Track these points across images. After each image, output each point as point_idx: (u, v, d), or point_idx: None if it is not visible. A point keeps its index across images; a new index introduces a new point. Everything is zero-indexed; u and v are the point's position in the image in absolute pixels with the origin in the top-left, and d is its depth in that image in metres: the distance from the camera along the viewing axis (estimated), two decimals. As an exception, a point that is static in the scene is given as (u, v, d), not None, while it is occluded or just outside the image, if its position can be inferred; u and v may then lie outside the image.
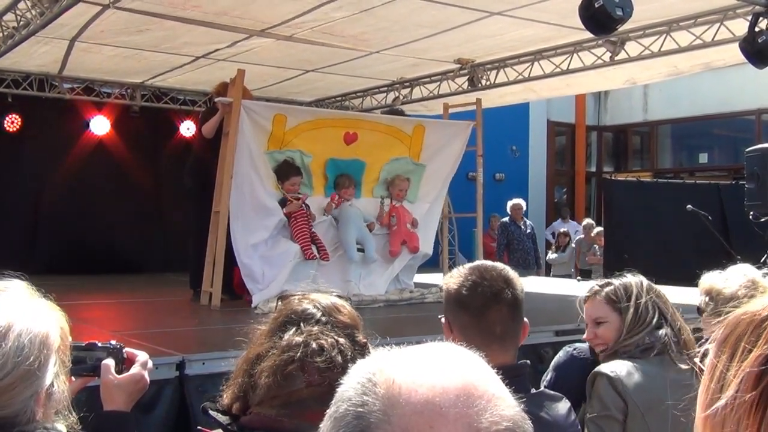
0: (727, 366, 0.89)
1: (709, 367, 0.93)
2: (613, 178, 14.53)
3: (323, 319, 1.71)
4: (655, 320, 2.73)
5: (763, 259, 6.97)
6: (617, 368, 2.64)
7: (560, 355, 3.16)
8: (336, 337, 1.66)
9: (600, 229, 12.43)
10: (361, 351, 1.67)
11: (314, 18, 7.40)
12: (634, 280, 2.85)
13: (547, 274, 12.81)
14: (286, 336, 1.66)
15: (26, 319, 1.27)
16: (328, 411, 0.82)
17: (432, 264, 8.76)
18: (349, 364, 1.57)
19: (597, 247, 12.28)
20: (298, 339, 1.63)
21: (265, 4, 7.03)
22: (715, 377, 0.90)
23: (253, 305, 6.40)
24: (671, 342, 2.68)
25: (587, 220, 13.39)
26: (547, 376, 3.10)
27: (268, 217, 6.75)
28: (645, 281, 2.83)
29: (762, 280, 2.73)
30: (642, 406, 2.57)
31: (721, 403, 0.87)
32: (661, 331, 2.71)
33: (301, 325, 1.68)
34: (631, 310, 2.76)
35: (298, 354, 1.60)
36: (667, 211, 10.43)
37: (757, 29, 6.58)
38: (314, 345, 1.62)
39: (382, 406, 0.77)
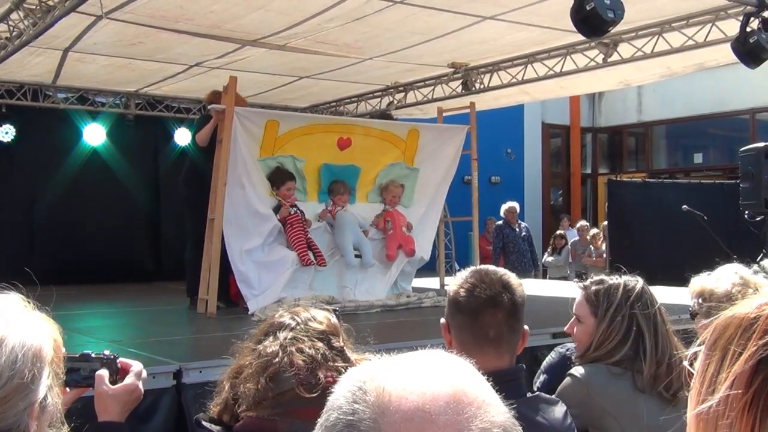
0: (717, 369, 0.89)
1: (699, 370, 0.93)
2: (618, 179, 14.53)
3: (298, 327, 1.76)
4: (631, 339, 2.64)
5: (759, 257, 6.97)
6: (588, 371, 2.64)
7: (552, 356, 3.13)
8: (311, 341, 1.72)
9: (595, 230, 12.44)
10: (339, 355, 1.71)
11: (307, 29, 7.41)
12: (623, 286, 2.75)
13: (544, 276, 12.82)
14: (262, 345, 1.73)
15: (19, 332, 1.27)
16: (319, 420, 0.82)
17: (429, 268, 8.76)
18: (329, 363, 1.65)
19: (593, 248, 12.29)
20: (275, 346, 1.69)
21: (258, 18, 7.04)
22: (706, 381, 0.90)
23: (249, 312, 6.39)
24: (640, 362, 2.61)
25: (582, 222, 13.40)
26: (540, 378, 3.07)
27: (262, 224, 6.74)
28: (637, 290, 2.73)
29: (753, 278, 2.73)
30: (613, 412, 2.56)
31: (712, 403, 0.87)
32: (626, 350, 2.64)
33: (278, 333, 1.75)
34: (604, 324, 2.71)
35: (275, 358, 1.65)
36: (671, 211, 10.42)
37: (748, 29, 6.60)
38: (292, 348, 1.69)
39: (372, 414, 0.77)
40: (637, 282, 2.78)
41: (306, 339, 1.72)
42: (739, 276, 2.73)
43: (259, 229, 6.74)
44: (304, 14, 7.01)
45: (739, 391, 0.85)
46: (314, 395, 1.57)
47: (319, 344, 1.71)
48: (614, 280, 2.81)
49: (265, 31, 7.52)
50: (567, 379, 2.67)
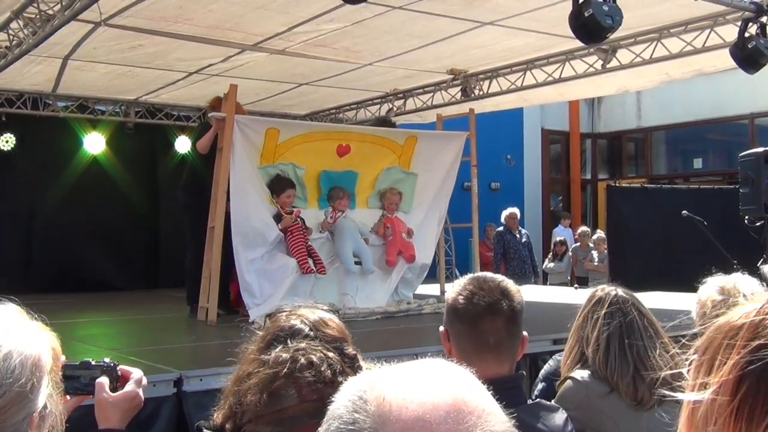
0: (706, 378, 0.90)
1: (690, 378, 0.94)
2: (617, 184, 14.51)
3: (311, 333, 1.70)
4: (602, 346, 2.70)
5: (759, 263, 6.96)
6: (590, 375, 2.69)
7: (550, 364, 3.15)
8: (324, 352, 1.65)
9: (598, 235, 12.41)
10: (351, 363, 1.66)
11: (307, 30, 7.42)
12: (592, 295, 2.85)
13: (544, 282, 12.81)
14: (273, 353, 1.65)
15: (17, 341, 1.27)
16: (319, 429, 0.82)
17: (429, 275, 8.75)
18: (339, 378, 1.58)
19: (594, 254, 12.28)
20: (285, 355, 1.62)
21: (257, 17, 7.04)
22: (696, 388, 0.91)
23: (250, 320, 6.38)
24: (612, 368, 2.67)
25: (582, 228, 13.37)
26: (537, 387, 3.08)
27: (265, 232, 6.74)
28: (609, 299, 2.78)
29: (732, 288, 2.75)
30: (613, 416, 2.59)
31: (701, 411, 0.88)
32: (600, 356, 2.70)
33: (289, 341, 1.68)
34: (575, 332, 2.82)
35: (285, 370, 1.59)
36: (671, 217, 10.42)
37: (746, 35, 6.61)
38: (303, 360, 1.61)
39: (373, 424, 0.77)
40: (611, 290, 2.82)
41: (319, 348, 1.65)
42: (718, 287, 2.76)
43: (264, 238, 6.73)
44: (303, 14, 7.00)
45: (726, 399, 0.86)
46: (317, 417, 1.52)
47: (331, 354, 1.65)
48: (595, 288, 2.90)
49: (265, 32, 7.51)
50: (568, 382, 2.70)
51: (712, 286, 2.80)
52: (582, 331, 2.78)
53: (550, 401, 2.41)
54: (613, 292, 2.78)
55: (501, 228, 12.21)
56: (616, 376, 2.62)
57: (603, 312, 2.73)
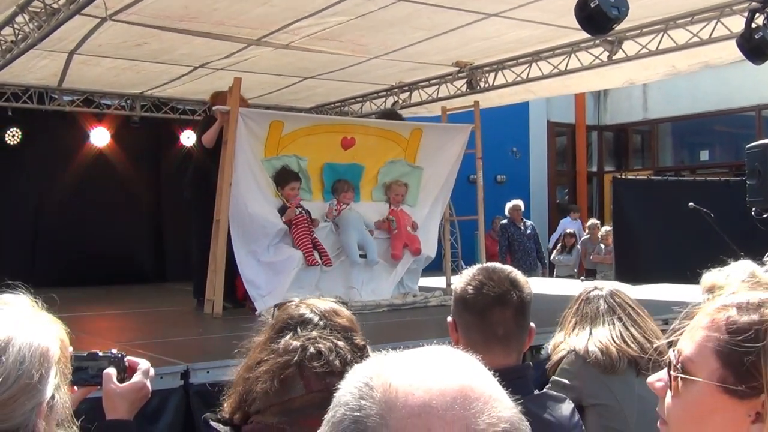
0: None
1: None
2: (623, 176, 14.45)
3: (321, 323, 1.69)
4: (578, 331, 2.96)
5: (766, 254, 6.92)
6: (582, 345, 2.89)
7: (546, 349, 3.22)
8: (335, 341, 1.64)
9: (607, 228, 12.39)
10: (360, 353, 1.65)
11: (311, 24, 7.41)
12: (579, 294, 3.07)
13: (551, 274, 12.80)
14: (283, 341, 1.64)
15: (26, 332, 1.27)
16: (325, 416, 0.82)
17: (435, 267, 8.75)
18: (347, 368, 1.56)
19: (603, 246, 12.25)
20: (296, 343, 1.61)
21: (262, 13, 7.04)
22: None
23: (257, 312, 6.39)
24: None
25: (592, 220, 13.33)
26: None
27: (267, 225, 6.75)
28: (589, 296, 3.03)
29: (764, 276, 2.72)
30: (609, 384, 2.75)
31: None
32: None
33: (298, 329, 1.67)
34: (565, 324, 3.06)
35: (295, 358, 1.58)
36: (676, 209, 10.39)
37: (753, 25, 6.57)
38: (312, 349, 1.60)
39: (379, 410, 0.77)
40: (592, 288, 3.08)
41: (329, 338, 1.64)
42: (750, 273, 2.74)
43: (265, 230, 6.74)
44: (308, 8, 6.99)
45: None
46: (324, 408, 1.51)
47: (341, 343, 1.64)
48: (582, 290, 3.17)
49: (270, 27, 7.51)
50: (569, 355, 2.85)
51: (741, 272, 2.79)
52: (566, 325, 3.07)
53: (542, 388, 2.43)
54: (593, 293, 3.02)
55: (505, 221, 12.20)
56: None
57: (574, 307, 3.08)
